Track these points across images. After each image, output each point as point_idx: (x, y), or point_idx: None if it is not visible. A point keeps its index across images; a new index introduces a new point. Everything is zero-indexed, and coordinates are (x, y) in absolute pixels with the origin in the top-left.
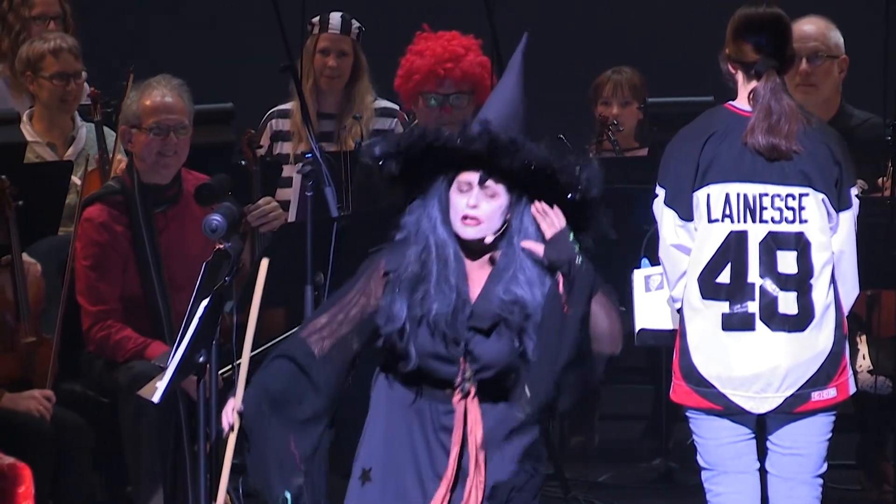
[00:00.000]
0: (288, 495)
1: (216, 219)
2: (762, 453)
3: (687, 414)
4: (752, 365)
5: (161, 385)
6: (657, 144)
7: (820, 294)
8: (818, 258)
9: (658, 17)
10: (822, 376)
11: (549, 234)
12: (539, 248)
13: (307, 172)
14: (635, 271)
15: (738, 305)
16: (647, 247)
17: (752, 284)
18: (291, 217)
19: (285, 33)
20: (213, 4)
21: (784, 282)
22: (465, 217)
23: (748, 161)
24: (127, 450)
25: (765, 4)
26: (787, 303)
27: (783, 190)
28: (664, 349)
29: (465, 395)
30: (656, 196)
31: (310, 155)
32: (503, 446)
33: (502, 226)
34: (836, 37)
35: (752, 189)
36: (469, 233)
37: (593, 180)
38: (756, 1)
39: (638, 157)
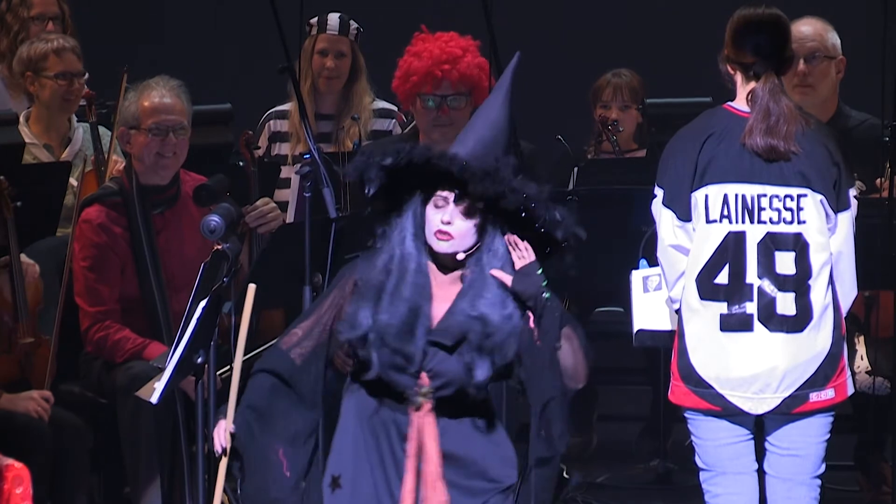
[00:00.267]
0: None
1: (214, 220)
2: (760, 454)
3: (685, 415)
4: (750, 366)
5: (159, 386)
6: (655, 145)
7: (818, 295)
8: (816, 259)
9: (657, 17)
10: (821, 377)
11: (518, 265)
12: (507, 279)
13: (305, 173)
14: (633, 272)
15: (737, 306)
16: (645, 247)
17: (751, 285)
18: (290, 218)
19: (283, 34)
20: (212, 5)
21: (782, 282)
22: (438, 231)
23: (746, 162)
24: (125, 450)
25: (764, 5)
26: (786, 303)
27: (782, 191)
28: (662, 350)
29: (417, 409)
30: (654, 197)
31: (308, 156)
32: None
33: (475, 244)
34: (834, 38)
35: (750, 190)
36: (442, 247)
37: (563, 222)
38: (755, 2)
39: (636, 157)
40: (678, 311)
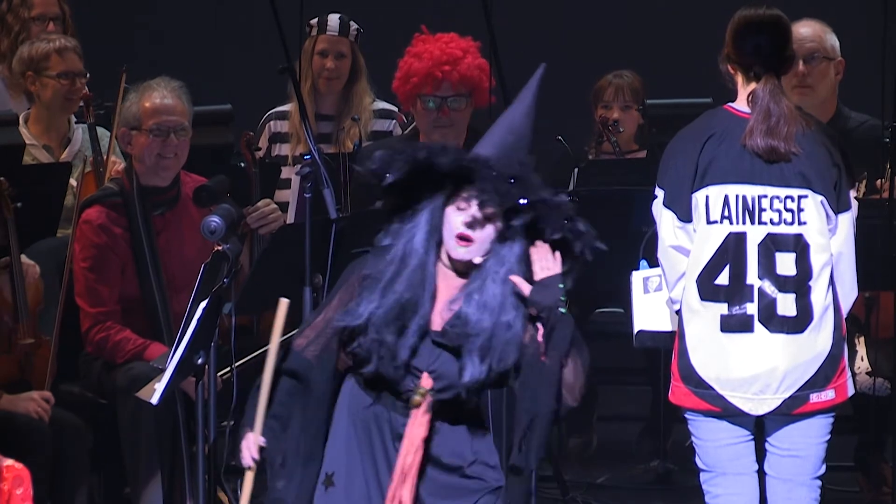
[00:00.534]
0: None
1: (214, 220)
2: (761, 455)
3: (685, 415)
4: (750, 366)
5: (160, 386)
6: (656, 146)
7: (819, 296)
8: (817, 260)
9: (657, 17)
10: (821, 378)
11: (540, 275)
12: (526, 287)
13: (305, 174)
14: (634, 273)
15: (737, 307)
16: (645, 248)
17: (751, 286)
18: (290, 218)
19: (283, 34)
20: (212, 5)
21: (783, 283)
22: (459, 236)
23: (747, 163)
24: (125, 451)
25: (764, 6)
26: (786, 304)
27: (782, 192)
28: (663, 351)
29: (415, 407)
30: (655, 197)
31: (308, 156)
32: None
33: (489, 250)
34: (833, 40)
35: (750, 191)
36: (460, 252)
37: (585, 234)
38: (756, 2)
39: (636, 158)
40: (678, 312)
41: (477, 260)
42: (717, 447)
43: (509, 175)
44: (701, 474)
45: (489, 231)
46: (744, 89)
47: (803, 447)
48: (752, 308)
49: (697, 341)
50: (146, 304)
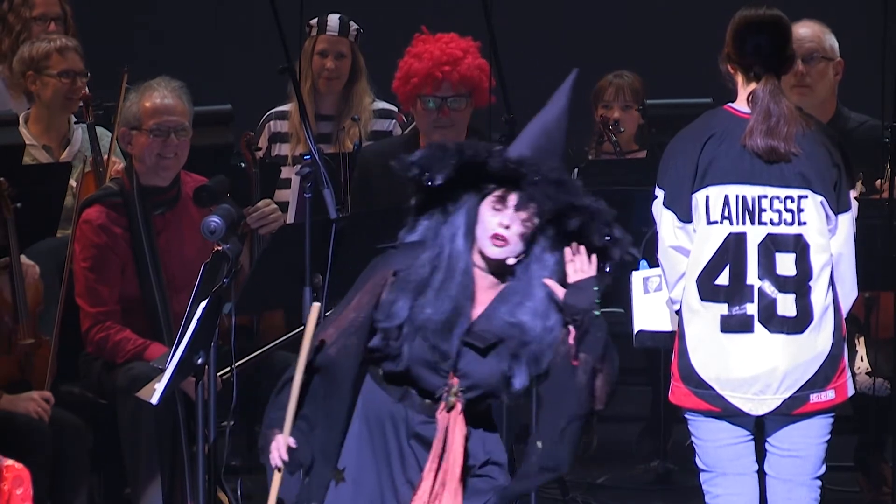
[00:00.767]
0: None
1: (214, 220)
2: (761, 455)
3: (685, 415)
4: (750, 367)
5: (160, 386)
6: (656, 146)
7: (819, 296)
8: (817, 260)
9: (657, 17)
10: (821, 378)
11: (574, 278)
12: (560, 290)
13: (305, 174)
14: (634, 273)
15: (737, 307)
16: (645, 248)
17: (751, 286)
18: (290, 218)
19: (283, 34)
20: (212, 5)
21: (783, 284)
22: (495, 236)
23: (747, 163)
24: (125, 451)
25: (764, 6)
26: (786, 305)
27: (782, 192)
28: (663, 351)
29: (450, 409)
30: (655, 198)
31: (308, 156)
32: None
33: (523, 251)
34: (832, 40)
35: (751, 191)
36: (495, 252)
37: (622, 241)
38: (756, 3)
39: (637, 158)
40: (678, 312)
41: (511, 260)
42: (717, 447)
43: (555, 180)
44: (701, 474)
45: (521, 231)
46: (744, 89)
47: (803, 447)
48: (752, 308)
49: (697, 341)
50: (146, 304)
